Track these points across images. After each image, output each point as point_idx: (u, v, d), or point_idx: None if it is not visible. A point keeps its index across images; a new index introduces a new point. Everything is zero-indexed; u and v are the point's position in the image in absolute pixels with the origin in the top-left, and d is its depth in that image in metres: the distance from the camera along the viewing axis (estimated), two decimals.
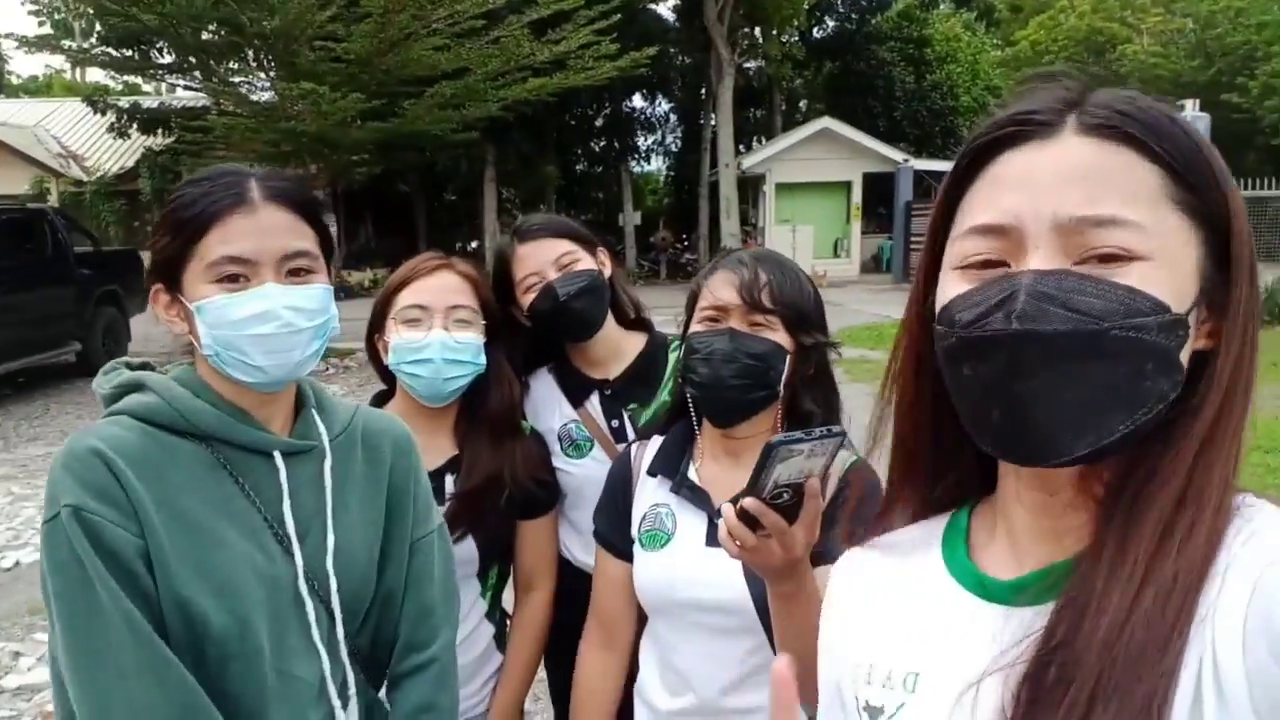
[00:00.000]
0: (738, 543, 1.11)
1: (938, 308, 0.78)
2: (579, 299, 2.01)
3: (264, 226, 1.23)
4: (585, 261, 2.06)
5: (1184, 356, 0.69)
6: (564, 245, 2.05)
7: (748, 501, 1.07)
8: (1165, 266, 0.69)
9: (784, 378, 1.52)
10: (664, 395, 2.08)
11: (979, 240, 0.75)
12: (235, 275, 1.22)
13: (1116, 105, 0.72)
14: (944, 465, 0.89)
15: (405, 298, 1.84)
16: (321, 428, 1.36)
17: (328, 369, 11.48)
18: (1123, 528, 0.70)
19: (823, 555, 1.21)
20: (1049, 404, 0.68)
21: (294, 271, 1.26)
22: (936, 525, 0.91)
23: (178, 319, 1.27)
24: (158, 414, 1.24)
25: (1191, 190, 0.71)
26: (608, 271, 2.12)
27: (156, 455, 1.21)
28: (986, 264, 0.74)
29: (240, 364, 1.24)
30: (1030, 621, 0.72)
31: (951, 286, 0.76)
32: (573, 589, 1.99)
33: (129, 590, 1.13)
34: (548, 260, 2.03)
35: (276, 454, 1.29)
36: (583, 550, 2.09)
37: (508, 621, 2.03)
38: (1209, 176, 0.72)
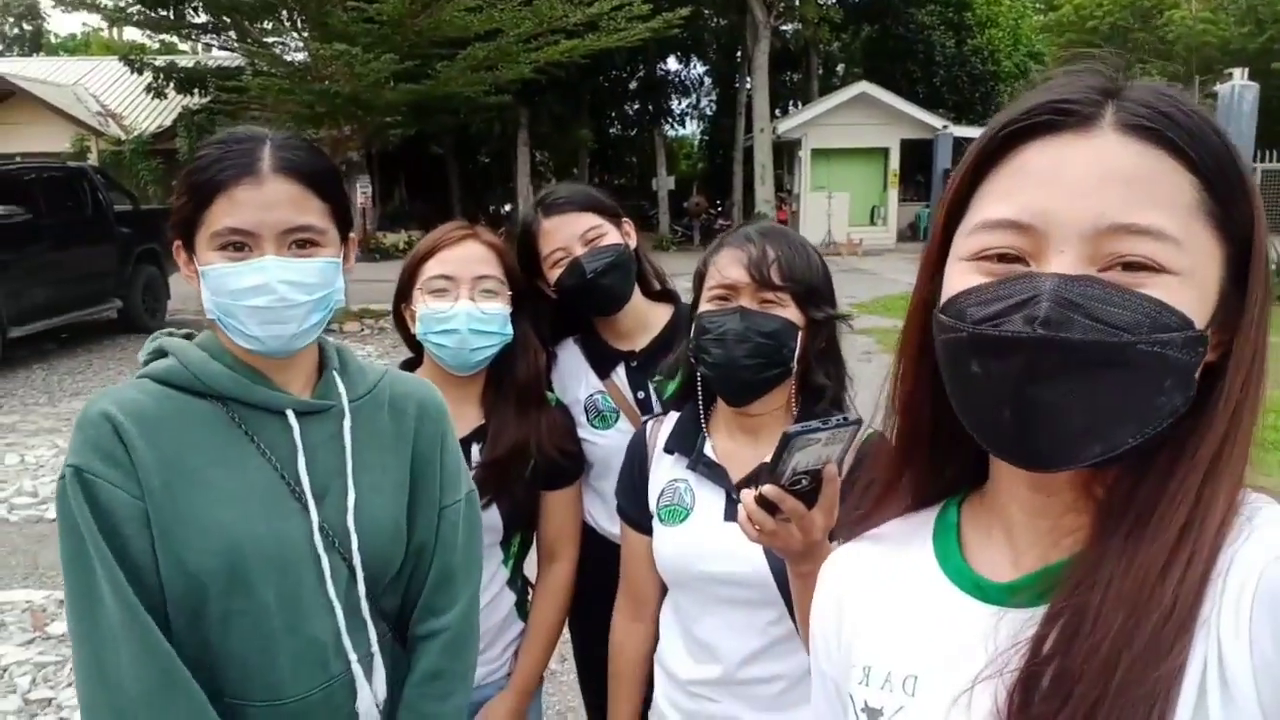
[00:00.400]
0: (757, 527, 1.13)
1: (943, 297, 0.74)
2: (606, 275, 2.00)
3: (269, 199, 1.25)
4: (611, 235, 2.05)
5: (1198, 373, 0.67)
6: (589, 219, 2.04)
7: (766, 488, 1.09)
8: (1192, 282, 0.67)
9: (796, 353, 1.52)
10: None
11: (998, 234, 0.71)
12: (239, 244, 1.25)
13: (1159, 105, 0.68)
14: (944, 458, 0.87)
15: (431, 268, 1.85)
16: (342, 389, 1.39)
17: (362, 329, 11.59)
18: (1127, 542, 0.68)
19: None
20: (1062, 411, 0.66)
21: (299, 243, 1.28)
22: (925, 519, 0.89)
23: (195, 276, 1.31)
24: (174, 376, 1.29)
25: (1221, 203, 0.68)
26: (633, 243, 2.11)
27: (170, 416, 1.26)
28: (1003, 258, 0.71)
29: (238, 331, 1.28)
30: (1023, 625, 0.71)
31: (961, 278, 0.73)
32: (598, 557, 2.02)
33: (119, 554, 1.18)
34: (574, 235, 2.02)
35: (289, 413, 1.32)
36: (608, 519, 2.10)
37: (529, 590, 2.05)
38: (1240, 190, 0.69)
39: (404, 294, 1.91)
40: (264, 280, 1.24)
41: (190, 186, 1.27)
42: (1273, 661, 0.60)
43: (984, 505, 0.84)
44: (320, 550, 1.29)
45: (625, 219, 2.14)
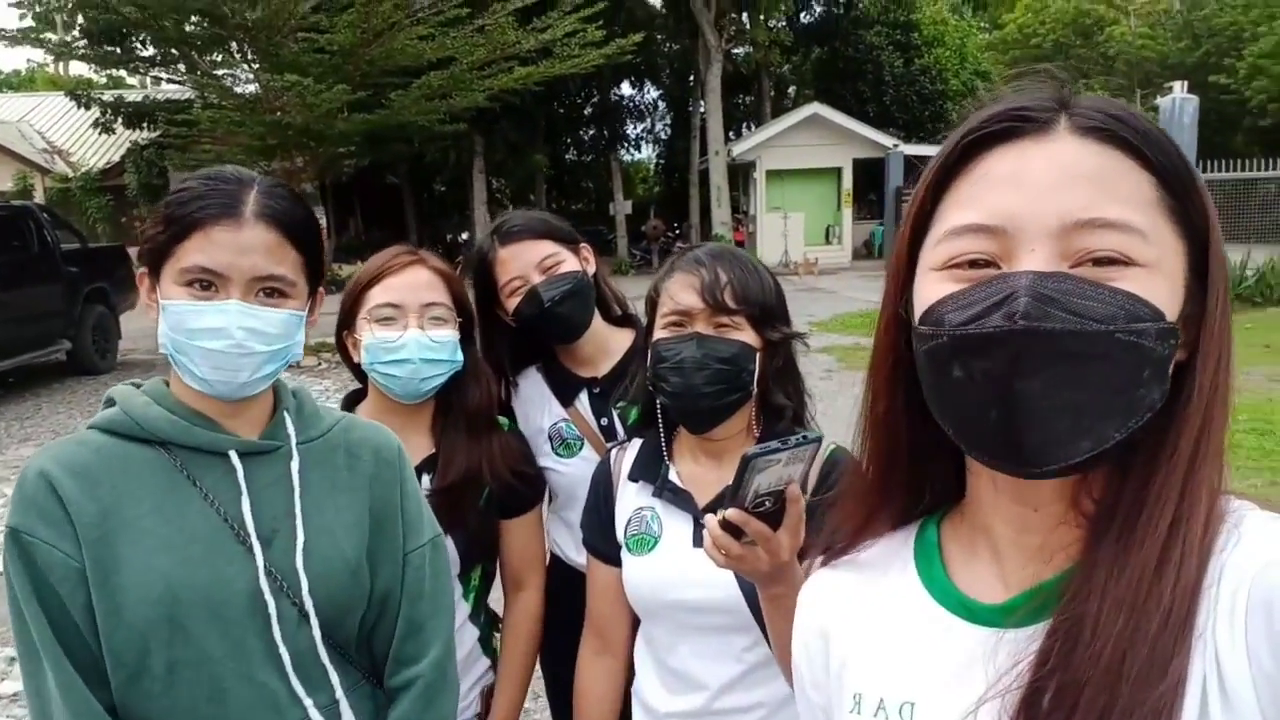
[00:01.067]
0: (723, 552, 1.12)
1: (918, 310, 0.74)
2: (564, 303, 1.99)
3: (244, 244, 1.23)
4: (569, 263, 2.03)
5: (1170, 368, 0.68)
6: (546, 247, 2.02)
7: (730, 512, 1.08)
8: (1160, 275, 0.68)
9: (755, 375, 1.50)
10: None
11: (966, 240, 0.71)
12: (206, 283, 1.23)
13: (1110, 110, 0.71)
14: (921, 476, 0.86)
15: (377, 295, 1.78)
16: (291, 430, 1.36)
17: (319, 363, 11.45)
18: (1118, 547, 0.68)
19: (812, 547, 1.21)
20: (1049, 406, 0.66)
21: (267, 291, 1.26)
22: (903, 540, 0.88)
23: (154, 306, 1.29)
24: (117, 424, 1.28)
25: (1177, 199, 0.70)
26: (591, 269, 2.09)
27: (111, 466, 1.25)
28: (973, 264, 0.71)
29: (188, 371, 1.26)
30: (1022, 644, 0.71)
31: (935, 287, 0.73)
32: (566, 588, 1.98)
33: (55, 614, 1.19)
34: (530, 263, 2.00)
35: (232, 454, 1.29)
36: (575, 549, 2.08)
37: (495, 625, 2.00)
38: (1190, 185, 0.71)
39: (347, 321, 1.85)
40: (224, 324, 1.23)
41: (167, 218, 1.25)
42: (1271, 672, 0.60)
43: (965, 523, 0.83)
44: (267, 595, 1.25)
45: (583, 245, 2.12)
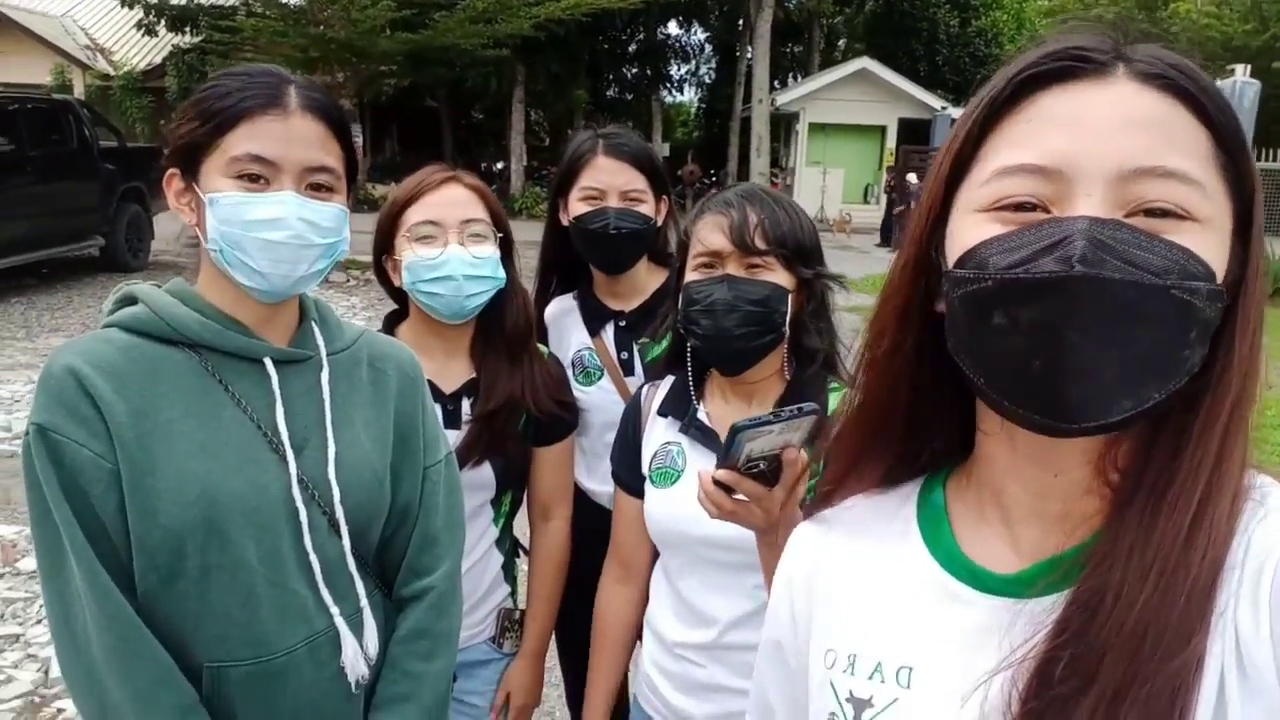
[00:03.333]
0: (716, 506, 1.15)
1: (954, 252, 0.70)
2: (624, 239, 2.01)
3: (294, 133, 1.21)
4: (647, 205, 2.05)
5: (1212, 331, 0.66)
6: (638, 180, 2.04)
7: (720, 473, 1.11)
8: (1213, 232, 0.66)
9: (788, 317, 1.49)
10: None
11: (1017, 180, 0.67)
12: (256, 175, 1.20)
13: (1168, 59, 0.68)
14: (918, 425, 0.83)
15: (415, 214, 1.76)
16: (320, 340, 1.35)
17: (348, 280, 11.49)
18: (1145, 516, 0.66)
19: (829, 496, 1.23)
20: (1097, 359, 0.62)
21: (315, 186, 1.25)
22: (904, 498, 0.85)
23: (188, 208, 1.26)
24: (144, 324, 1.24)
25: (1232, 158, 0.67)
26: (660, 220, 2.11)
27: (140, 366, 1.21)
28: (1020, 206, 0.67)
29: (242, 265, 1.22)
30: (1041, 616, 0.68)
31: (977, 229, 0.69)
32: (576, 511, 2.02)
33: (84, 514, 1.15)
34: (617, 185, 2.02)
35: (267, 361, 1.28)
36: (586, 475, 2.12)
37: (519, 551, 2.03)
38: (1244, 147, 0.68)
39: (385, 244, 1.83)
40: (282, 214, 1.20)
41: (205, 111, 1.21)
42: None
43: (973, 485, 0.80)
44: (299, 503, 1.25)
45: (667, 196, 2.14)
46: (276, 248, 1.21)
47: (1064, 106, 0.68)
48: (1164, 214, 0.65)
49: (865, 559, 0.84)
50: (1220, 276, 0.65)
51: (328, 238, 1.26)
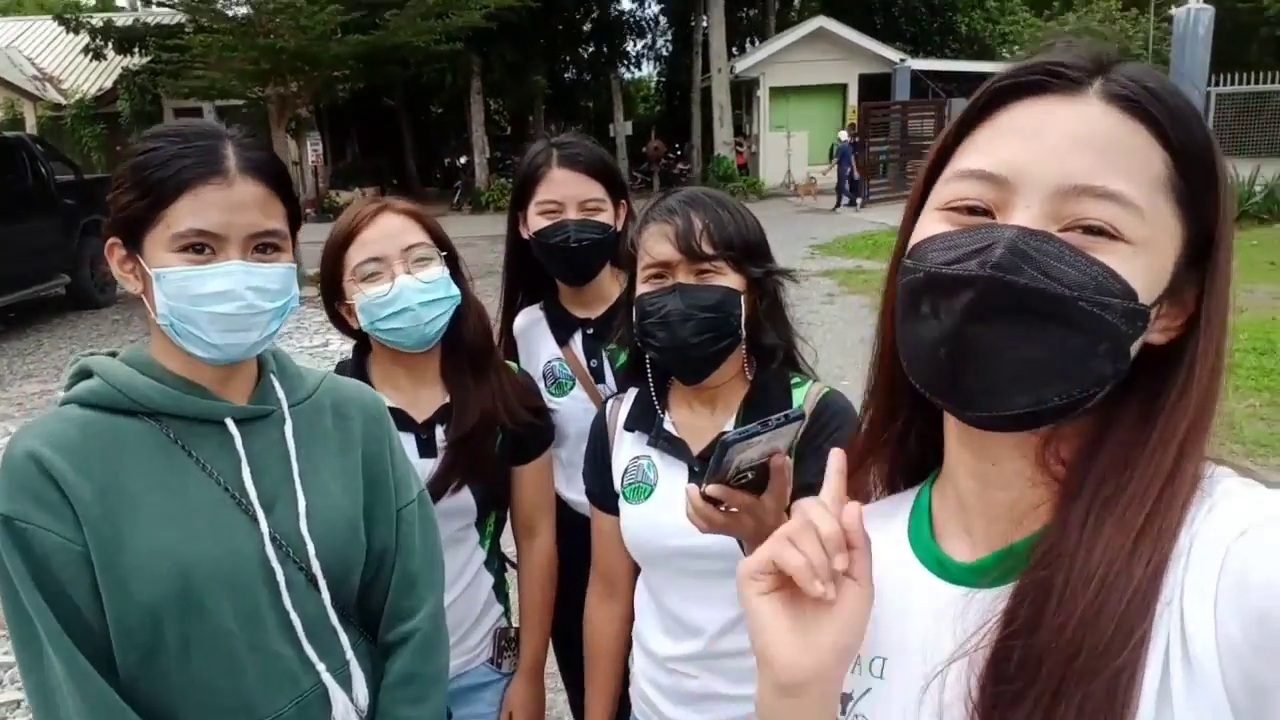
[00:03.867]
0: (705, 521, 1.14)
1: (911, 243, 0.76)
2: (586, 250, 2.01)
3: (236, 201, 1.19)
4: (606, 213, 2.04)
5: (1134, 348, 0.69)
6: (595, 189, 2.03)
7: (710, 488, 1.08)
8: (1146, 256, 0.68)
9: (743, 319, 1.48)
10: None
11: (970, 184, 0.72)
12: (201, 246, 1.18)
13: (1144, 80, 0.70)
14: (918, 428, 0.87)
15: (355, 254, 1.73)
16: (281, 393, 1.33)
17: (319, 295, 11.40)
18: (1090, 518, 0.68)
19: (809, 488, 1.21)
20: (994, 354, 0.67)
21: (261, 248, 1.22)
22: (904, 500, 0.89)
23: (133, 278, 1.24)
24: (101, 397, 1.22)
25: (1190, 184, 0.69)
26: (620, 225, 2.09)
27: (101, 442, 1.20)
28: (972, 210, 0.72)
29: (194, 338, 1.21)
30: (991, 605, 0.71)
31: (931, 225, 0.74)
32: (560, 526, 2.01)
33: (56, 601, 1.13)
34: (574, 197, 2.01)
35: (229, 421, 1.26)
36: (565, 485, 2.11)
37: (506, 566, 2.03)
38: (1211, 175, 0.70)
39: (333, 291, 1.79)
40: (230, 286, 1.18)
41: (144, 182, 1.18)
42: (1238, 642, 0.60)
43: (944, 480, 0.85)
44: (274, 562, 1.24)
45: (625, 200, 2.12)
46: (227, 319, 1.19)
47: (1027, 119, 0.71)
48: (1098, 232, 0.68)
49: None
50: (1150, 296, 0.68)
51: (277, 300, 1.24)
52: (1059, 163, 0.68)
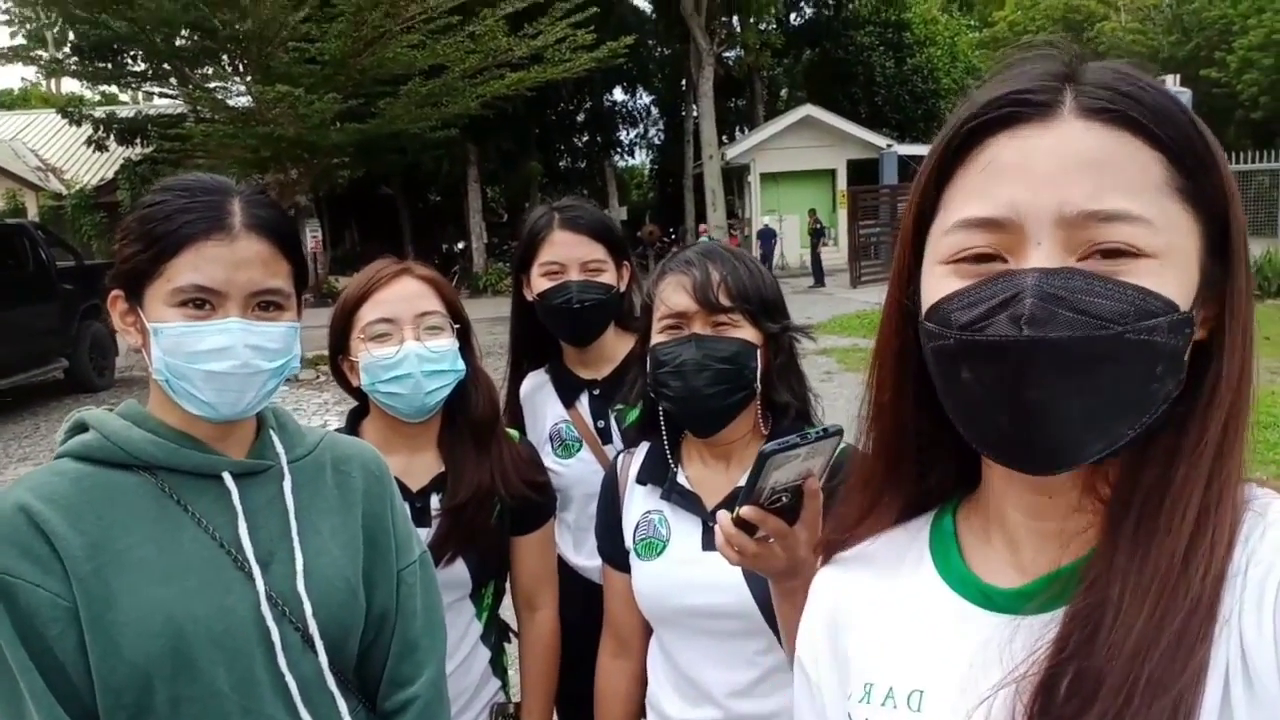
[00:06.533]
0: (737, 550, 1.08)
1: (924, 303, 0.73)
2: (589, 311, 2.02)
3: (239, 258, 1.18)
4: (608, 274, 2.06)
5: (1187, 353, 0.66)
6: (597, 251, 2.05)
7: (745, 510, 1.04)
8: (1171, 262, 0.66)
9: (758, 373, 1.47)
10: None
11: (972, 234, 0.69)
12: (201, 302, 1.17)
13: (1118, 85, 0.67)
14: (928, 464, 0.85)
15: (368, 312, 1.71)
16: (280, 449, 1.31)
17: (317, 376, 11.40)
18: (1139, 533, 0.66)
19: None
20: (1059, 412, 0.64)
21: (263, 305, 1.21)
22: (917, 530, 0.86)
23: (133, 330, 1.22)
24: (96, 450, 1.20)
25: (1191, 177, 0.67)
26: (624, 286, 2.12)
27: (94, 496, 1.17)
28: (980, 258, 0.69)
29: (189, 395, 1.19)
30: (1040, 630, 0.69)
31: (942, 282, 0.71)
32: (564, 589, 1.96)
33: (42, 659, 1.10)
34: (576, 258, 2.03)
35: (226, 475, 1.23)
36: (572, 550, 2.08)
37: (509, 634, 1.97)
38: (1208, 161, 0.68)
39: (340, 345, 1.77)
40: (228, 344, 1.16)
41: (148, 235, 1.17)
42: None
43: (978, 510, 0.82)
44: (270, 621, 1.20)
45: (628, 262, 2.14)
46: (223, 378, 1.17)
47: (1011, 154, 0.68)
48: (1119, 253, 0.65)
49: (881, 592, 0.86)
50: (1187, 301, 0.66)
51: (275, 360, 1.22)
52: (1056, 192, 0.66)
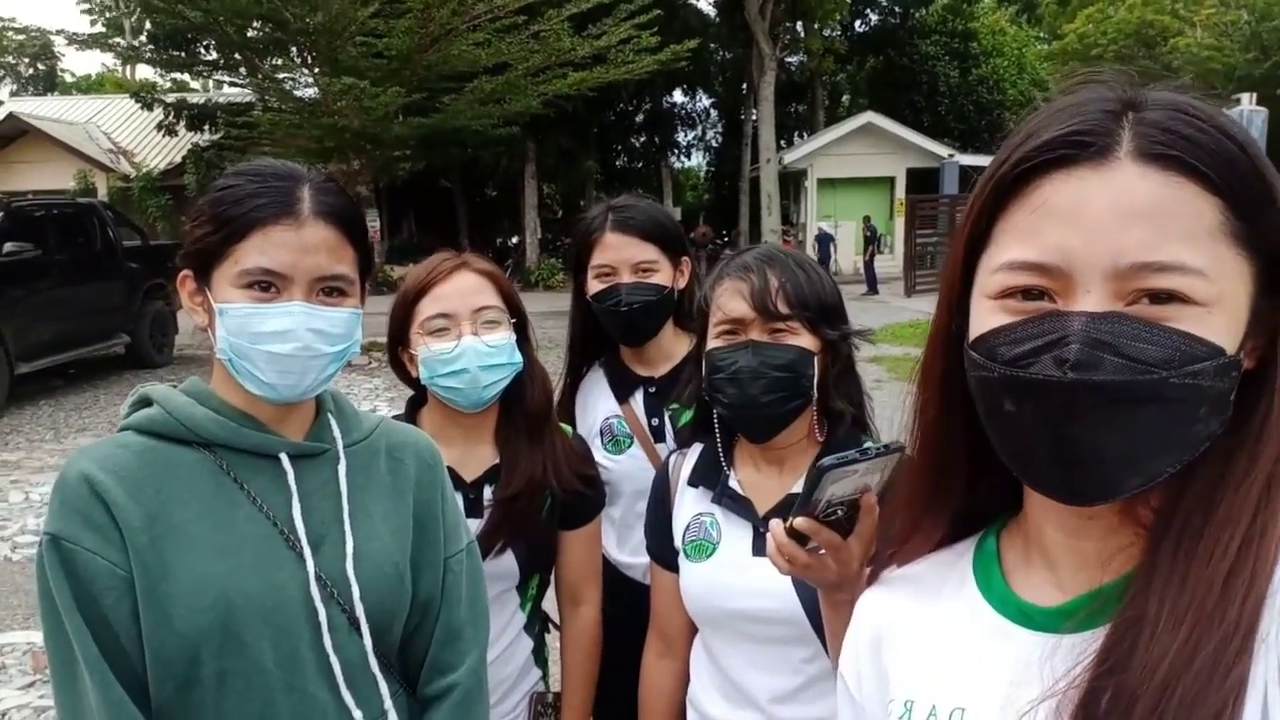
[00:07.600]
0: (788, 560, 1.07)
1: (972, 333, 0.74)
2: (638, 312, 2.02)
3: (306, 243, 1.19)
4: (662, 273, 2.06)
5: (1233, 394, 0.67)
6: (649, 251, 2.04)
7: (799, 520, 1.02)
8: (1220, 309, 0.65)
9: (815, 380, 1.45)
10: None
11: (1020, 275, 0.69)
12: (267, 284, 1.19)
13: (1177, 128, 0.66)
14: (972, 484, 0.85)
15: (427, 307, 1.74)
16: (337, 433, 1.33)
17: (370, 362, 11.57)
18: (1179, 555, 0.67)
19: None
20: (1099, 450, 0.65)
21: (327, 290, 1.23)
22: (962, 551, 0.87)
23: (201, 309, 1.25)
24: (159, 425, 1.22)
25: (1247, 219, 0.66)
26: (682, 284, 2.11)
27: (154, 469, 1.19)
28: (1029, 292, 0.70)
29: (251, 376, 1.21)
30: (1081, 648, 0.69)
31: (989, 316, 0.72)
32: (607, 586, 1.96)
33: (96, 625, 1.13)
34: (627, 260, 2.03)
35: (283, 456, 1.25)
36: (615, 546, 2.08)
37: (549, 628, 1.98)
38: (1267, 203, 0.67)
39: (400, 337, 1.80)
40: (291, 326, 1.18)
41: (218, 217, 1.19)
42: None
43: (1021, 531, 0.83)
44: (318, 602, 1.21)
45: (685, 258, 2.13)
46: (284, 360, 1.19)
47: (1064, 197, 0.68)
48: (1168, 298, 0.65)
49: (926, 611, 0.87)
50: (1234, 344, 0.66)
51: (337, 345, 1.23)
52: (1108, 242, 0.65)
